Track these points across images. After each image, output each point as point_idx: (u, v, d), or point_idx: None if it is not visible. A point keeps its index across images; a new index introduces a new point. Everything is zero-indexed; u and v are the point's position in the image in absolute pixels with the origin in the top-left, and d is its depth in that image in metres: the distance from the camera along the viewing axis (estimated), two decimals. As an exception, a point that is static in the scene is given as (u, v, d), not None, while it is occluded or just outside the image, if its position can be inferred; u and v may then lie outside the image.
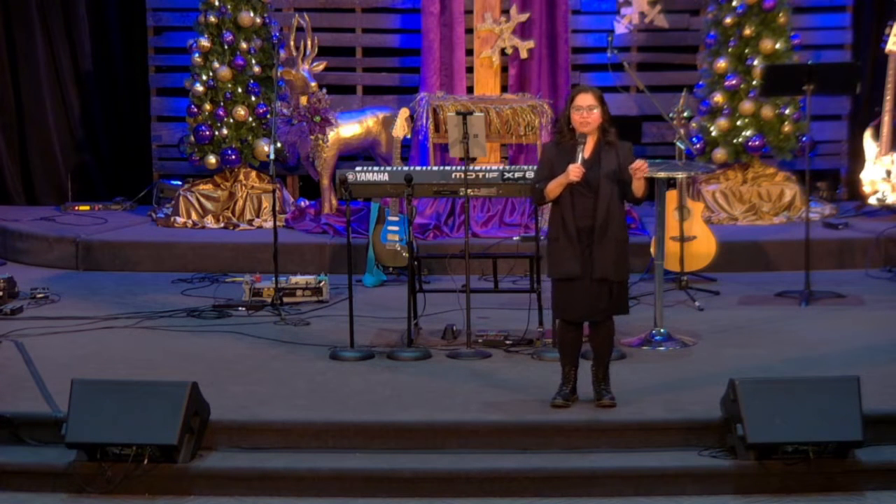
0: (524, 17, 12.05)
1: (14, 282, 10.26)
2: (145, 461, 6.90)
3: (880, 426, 7.05)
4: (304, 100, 11.79)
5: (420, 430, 7.23)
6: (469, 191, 8.76)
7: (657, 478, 6.87)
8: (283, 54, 11.73)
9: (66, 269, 11.43)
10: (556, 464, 6.96)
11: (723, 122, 11.96)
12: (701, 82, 12.23)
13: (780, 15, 11.92)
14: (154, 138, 13.19)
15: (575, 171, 7.20)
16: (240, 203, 12.09)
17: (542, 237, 9.07)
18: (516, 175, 8.79)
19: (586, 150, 7.31)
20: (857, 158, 12.44)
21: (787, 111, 11.93)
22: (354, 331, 8.65)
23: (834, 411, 6.81)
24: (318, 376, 8.12)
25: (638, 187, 7.27)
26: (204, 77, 11.99)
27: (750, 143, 11.90)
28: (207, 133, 11.99)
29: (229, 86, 12.01)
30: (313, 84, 11.85)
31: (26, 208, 13.08)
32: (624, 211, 7.41)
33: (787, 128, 11.93)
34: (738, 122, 11.94)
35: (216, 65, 11.97)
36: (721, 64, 11.98)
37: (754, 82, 11.80)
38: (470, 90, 12.11)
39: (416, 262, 8.95)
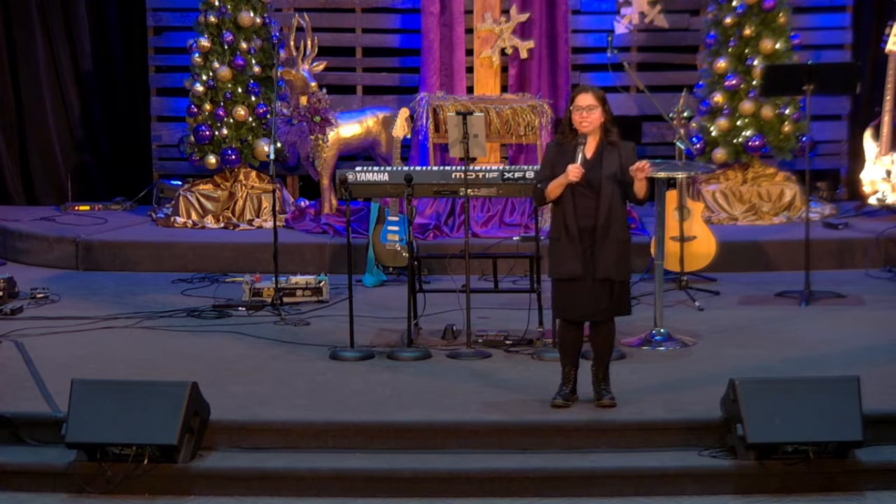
0: (524, 17, 12.05)
1: (14, 282, 10.26)
2: (145, 461, 6.90)
3: (880, 426, 7.05)
4: (304, 100, 11.79)
5: (420, 430, 7.23)
6: (469, 191, 8.76)
7: (657, 478, 6.87)
8: (283, 54, 11.73)
9: (66, 269, 11.44)
10: (556, 464, 6.96)
11: (723, 122, 11.96)
12: (701, 82, 12.23)
13: (780, 15, 11.92)
14: (154, 138, 13.19)
15: (574, 172, 7.20)
16: (240, 203, 12.10)
17: (542, 237, 9.08)
18: (516, 175, 8.79)
19: (588, 151, 7.31)
20: (857, 158, 12.44)
21: (787, 111, 11.93)
22: (354, 331, 8.65)
23: (834, 411, 6.81)
24: (318, 376, 8.12)
25: (639, 188, 7.27)
26: (204, 77, 12.00)
27: (750, 143, 11.90)
28: (207, 133, 11.99)
29: (229, 86, 12.01)
30: (313, 84, 11.85)
31: (26, 208, 13.08)
32: (626, 211, 7.40)
33: (787, 128, 11.93)
34: (738, 122, 11.94)
35: (216, 65, 11.97)
36: (721, 64, 11.98)
37: (754, 82, 11.80)
38: (470, 90, 12.11)
39: (416, 262, 8.95)
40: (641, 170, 7.19)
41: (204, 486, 6.93)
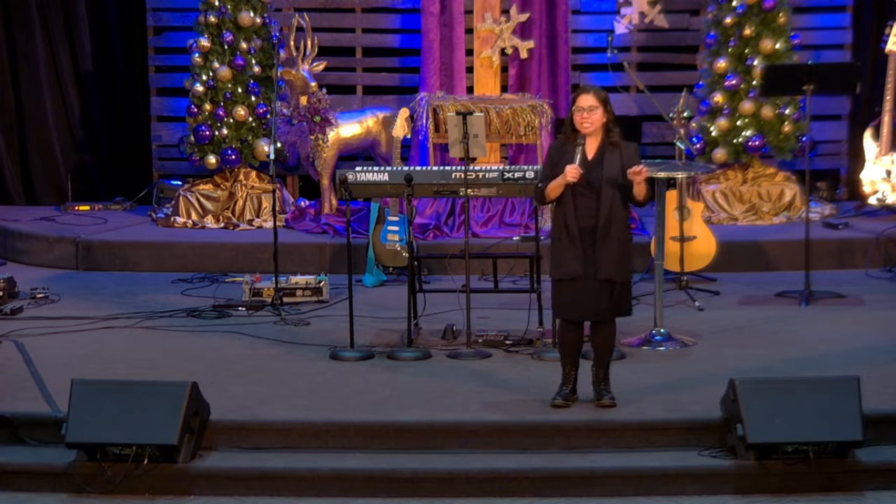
0: (524, 17, 12.05)
1: (14, 282, 10.26)
2: (145, 461, 6.90)
3: (880, 426, 7.05)
4: (304, 100, 11.79)
5: (420, 430, 7.23)
6: (469, 191, 8.76)
7: (657, 478, 6.87)
8: (283, 54, 11.73)
9: (66, 269, 11.43)
10: (556, 464, 6.96)
11: (723, 122, 11.96)
12: (701, 82, 12.23)
13: (780, 15, 11.92)
14: (154, 138, 13.19)
15: (572, 173, 7.20)
16: (240, 203, 12.10)
17: (542, 237, 9.09)
18: (516, 175, 8.79)
19: (590, 151, 7.31)
20: (857, 158, 12.44)
21: (787, 111, 11.93)
22: (354, 331, 8.65)
23: (834, 411, 6.81)
24: (318, 376, 8.12)
25: (638, 192, 7.26)
26: (204, 77, 11.99)
27: (750, 143, 11.90)
28: (207, 133, 11.99)
29: (229, 86, 12.01)
30: (313, 84, 11.85)
31: (26, 208, 13.08)
32: (628, 212, 7.39)
33: (787, 128, 11.93)
34: (738, 122, 11.94)
35: (216, 65, 11.97)
36: (721, 64, 11.98)
37: (754, 82, 11.79)
38: (470, 90, 12.11)
39: (416, 262, 8.95)
40: (638, 173, 7.18)
41: (204, 486, 6.93)
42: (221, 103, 12.00)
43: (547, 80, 12.13)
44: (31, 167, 13.42)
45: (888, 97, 11.81)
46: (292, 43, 11.86)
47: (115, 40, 13.44)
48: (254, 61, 12.03)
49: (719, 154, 11.96)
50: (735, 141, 11.95)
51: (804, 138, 11.87)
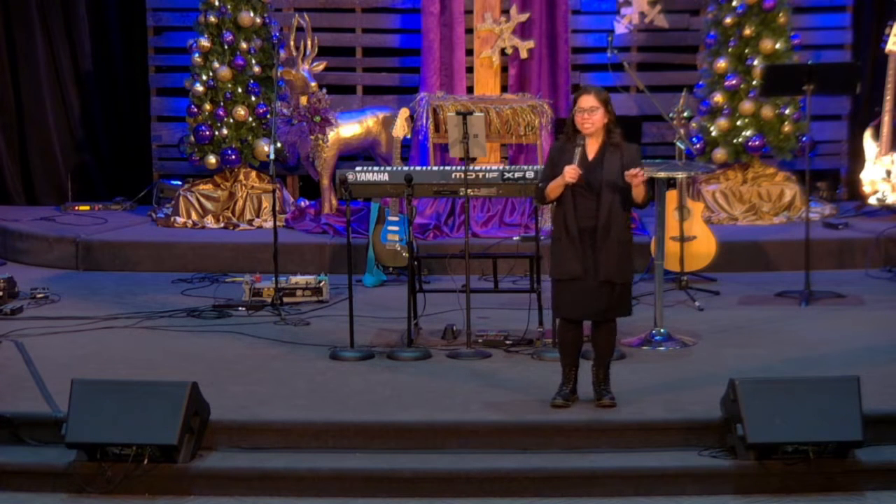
0: (524, 17, 12.05)
1: (14, 282, 10.26)
2: (145, 461, 6.90)
3: (880, 426, 7.05)
4: (304, 100, 11.79)
5: (420, 430, 7.23)
6: (469, 191, 8.76)
7: (657, 478, 6.87)
8: (283, 54, 11.73)
9: (66, 269, 11.43)
10: (556, 464, 6.96)
11: (723, 122, 11.96)
12: (701, 82, 12.23)
13: (780, 15, 11.92)
14: (154, 138, 13.19)
15: (570, 173, 7.20)
16: (240, 203, 12.10)
17: (542, 237, 9.08)
18: (516, 175, 8.79)
19: (591, 152, 7.31)
20: (857, 158, 12.44)
21: (787, 111, 11.93)
22: (354, 331, 8.64)
23: (834, 411, 6.81)
24: (318, 376, 8.12)
25: (637, 194, 7.26)
26: (204, 77, 12.00)
27: (750, 143, 11.90)
28: (207, 133, 11.99)
29: (229, 86, 12.01)
30: (313, 84, 11.85)
31: (26, 208, 13.08)
32: (628, 212, 7.38)
33: (787, 128, 11.93)
34: (738, 122, 11.94)
35: (216, 65, 11.97)
36: (721, 64, 11.98)
37: (754, 82, 11.80)
38: (470, 90, 12.11)
39: (416, 262, 8.95)
40: (636, 176, 7.18)
41: (204, 486, 6.93)
42: (221, 103, 12.00)
43: (547, 80, 12.13)
44: (31, 167, 13.43)
45: (888, 97, 11.81)
46: (292, 43, 11.87)
47: (115, 40, 13.44)
48: (254, 61, 12.03)
49: (719, 154, 11.97)
50: (735, 141, 11.95)
51: (804, 138, 11.87)
